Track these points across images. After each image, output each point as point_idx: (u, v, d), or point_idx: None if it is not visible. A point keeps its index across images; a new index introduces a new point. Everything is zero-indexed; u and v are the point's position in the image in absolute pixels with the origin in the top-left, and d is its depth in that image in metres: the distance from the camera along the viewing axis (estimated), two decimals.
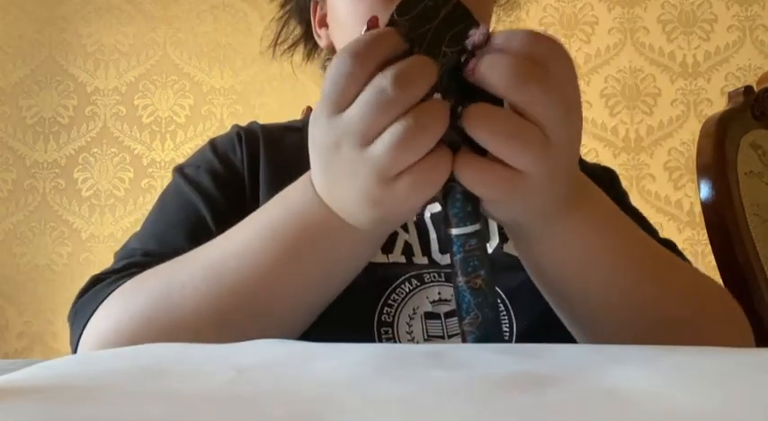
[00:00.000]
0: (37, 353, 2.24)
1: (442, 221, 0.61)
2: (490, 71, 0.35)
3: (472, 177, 0.36)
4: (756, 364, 0.32)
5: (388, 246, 0.58)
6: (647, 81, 2.27)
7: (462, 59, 0.37)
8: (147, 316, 0.45)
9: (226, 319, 0.44)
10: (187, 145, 2.33)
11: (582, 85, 2.25)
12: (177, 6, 2.39)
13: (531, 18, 2.28)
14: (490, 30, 0.38)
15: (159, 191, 0.66)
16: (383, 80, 0.35)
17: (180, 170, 0.64)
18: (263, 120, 0.71)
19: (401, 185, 0.36)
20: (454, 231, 0.39)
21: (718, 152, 0.89)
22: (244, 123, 0.69)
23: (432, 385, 0.27)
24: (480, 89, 0.36)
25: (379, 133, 0.35)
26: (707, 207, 0.88)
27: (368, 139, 0.36)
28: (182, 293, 0.44)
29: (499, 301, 0.55)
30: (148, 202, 2.28)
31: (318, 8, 0.68)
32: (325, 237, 0.42)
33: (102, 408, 0.24)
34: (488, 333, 0.38)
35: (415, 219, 0.61)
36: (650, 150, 2.23)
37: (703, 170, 0.89)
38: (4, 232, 2.31)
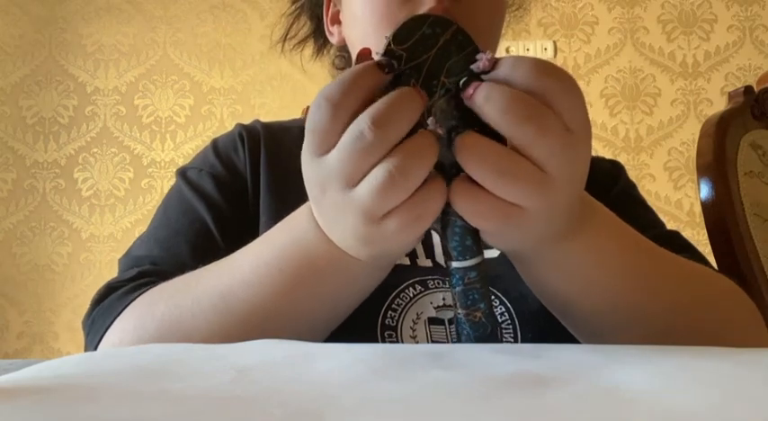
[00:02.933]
0: (37, 353, 2.24)
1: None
2: (486, 102, 0.34)
3: (465, 207, 0.36)
4: (756, 364, 0.32)
5: None
6: (647, 81, 2.27)
7: (461, 83, 0.35)
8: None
9: None
10: (187, 145, 2.33)
11: (582, 84, 2.26)
12: (177, 6, 2.39)
13: (532, 18, 2.28)
14: (497, 56, 0.37)
15: (159, 191, 0.66)
16: (361, 124, 0.34)
17: (183, 173, 0.64)
18: (263, 120, 0.71)
19: (389, 226, 0.36)
20: (454, 264, 0.38)
21: (718, 152, 0.89)
22: (245, 123, 0.69)
23: (432, 385, 0.27)
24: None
25: (363, 176, 0.35)
26: (707, 207, 0.88)
27: (352, 183, 0.35)
28: (192, 324, 0.45)
29: (504, 310, 0.55)
30: (148, 202, 2.28)
31: (332, 5, 0.68)
32: (329, 268, 0.41)
33: (102, 408, 0.24)
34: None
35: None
36: (650, 150, 2.24)
37: (703, 170, 0.89)
38: (4, 232, 2.31)
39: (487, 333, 0.38)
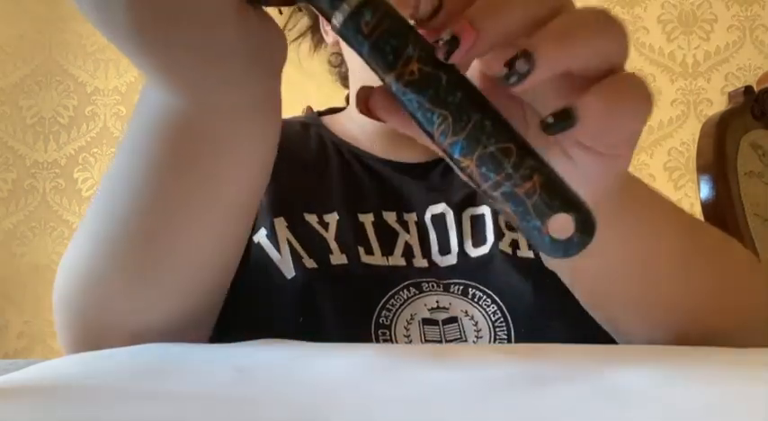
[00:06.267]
0: (37, 353, 2.24)
1: (441, 222, 0.61)
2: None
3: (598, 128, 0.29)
4: (756, 364, 0.32)
5: (388, 248, 0.59)
6: (647, 81, 2.27)
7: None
8: (80, 272, 0.46)
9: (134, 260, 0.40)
10: None
11: None
12: None
13: None
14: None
15: None
16: None
17: None
18: None
19: None
20: (338, 19, 0.26)
21: (718, 152, 0.89)
22: None
23: (432, 385, 0.27)
24: None
25: None
26: (707, 207, 0.88)
27: None
28: (84, 247, 0.45)
29: (496, 309, 0.55)
30: None
31: None
32: (175, 126, 0.35)
33: (101, 408, 0.24)
34: (465, 125, 0.26)
35: (416, 219, 0.61)
36: (650, 150, 2.24)
37: (703, 170, 0.89)
38: (4, 232, 2.31)
39: (441, 91, 0.26)
